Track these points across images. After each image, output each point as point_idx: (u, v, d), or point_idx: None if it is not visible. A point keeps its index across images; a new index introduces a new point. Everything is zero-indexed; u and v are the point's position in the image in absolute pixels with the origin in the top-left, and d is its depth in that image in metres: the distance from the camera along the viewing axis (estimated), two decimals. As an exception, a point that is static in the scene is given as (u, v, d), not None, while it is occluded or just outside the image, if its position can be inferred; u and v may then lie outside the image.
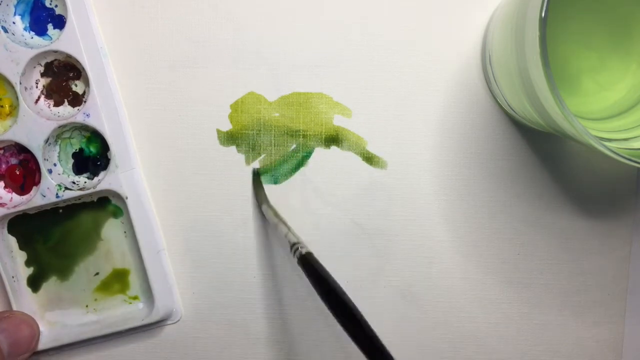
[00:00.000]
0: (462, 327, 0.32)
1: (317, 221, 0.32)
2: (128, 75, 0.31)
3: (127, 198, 0.31)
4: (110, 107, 0.31)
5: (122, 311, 0.32)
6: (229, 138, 0.32)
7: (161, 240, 0.32)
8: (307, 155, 0.32)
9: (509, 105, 0.29)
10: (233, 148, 0.32)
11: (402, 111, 0.31)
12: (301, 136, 0.32)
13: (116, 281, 0.32)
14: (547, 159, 0.32)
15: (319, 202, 0.32)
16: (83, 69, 0.30)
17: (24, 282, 0.32)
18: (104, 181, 0.31)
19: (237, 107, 0.32)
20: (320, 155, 0.32)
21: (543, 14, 0.21)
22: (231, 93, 0.32)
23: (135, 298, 0.32)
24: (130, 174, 0.31)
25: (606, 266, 0.32)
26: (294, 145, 0.32)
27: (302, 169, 0.32)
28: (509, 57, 0.25)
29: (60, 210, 0.32)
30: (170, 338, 0.33)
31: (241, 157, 0.32)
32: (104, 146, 0.32)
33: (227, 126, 0.32)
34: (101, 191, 0.31)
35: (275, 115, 0.32)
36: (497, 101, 0.31)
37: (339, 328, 0.32)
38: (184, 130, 0.32)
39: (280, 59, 0.31)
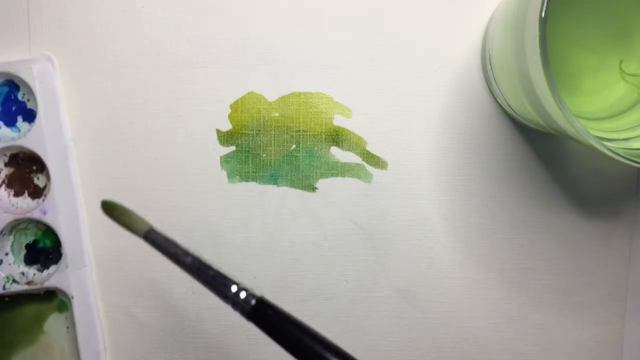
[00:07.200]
0: (462, 327, 0.32)
1: (317, 221, 0.32)
2: (128, 75, 0.31)
3: (72, 298, 0.31)
4: (69, 204, 0.31)
5: None
6: (229, 138, 0.32)
7: (102, 340, 0.31)
8: (307, 155, 0.32)
9: (509, 105, 0.29)
10: (233, 148, 0.32)
11: (402, 111, 0.31)
12: (301, 136, 0.32)
13: None
14: (547, 159, 0.32)
15: (318, 202, 0.32)
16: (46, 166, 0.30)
17: None
18: (53, 278, 0.31)
19: (237, 107, 0.32)
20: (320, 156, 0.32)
21: (543, 14, 0.21)
22: (231, 93, 0.32)
23: None
24: (80, 273, 0.31)
25: (606, 266, 0.32)
26: (294, 145, 0.32)
27: (302, 169, 0.32)
28: (509, 57, 0.25)
29: (6, 299, 0.32)
30: (170, 338, 0.33)
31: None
32: (58, 240, 0.31)
33: (227, 126, 0.32)
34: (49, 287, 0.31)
35: (275, 115, 0.32)
36: (497, 101, 0.31)
37: (338, 328, 0.32)
38: (184, 130, 0.32)
39: (280, 59, 0.31)
